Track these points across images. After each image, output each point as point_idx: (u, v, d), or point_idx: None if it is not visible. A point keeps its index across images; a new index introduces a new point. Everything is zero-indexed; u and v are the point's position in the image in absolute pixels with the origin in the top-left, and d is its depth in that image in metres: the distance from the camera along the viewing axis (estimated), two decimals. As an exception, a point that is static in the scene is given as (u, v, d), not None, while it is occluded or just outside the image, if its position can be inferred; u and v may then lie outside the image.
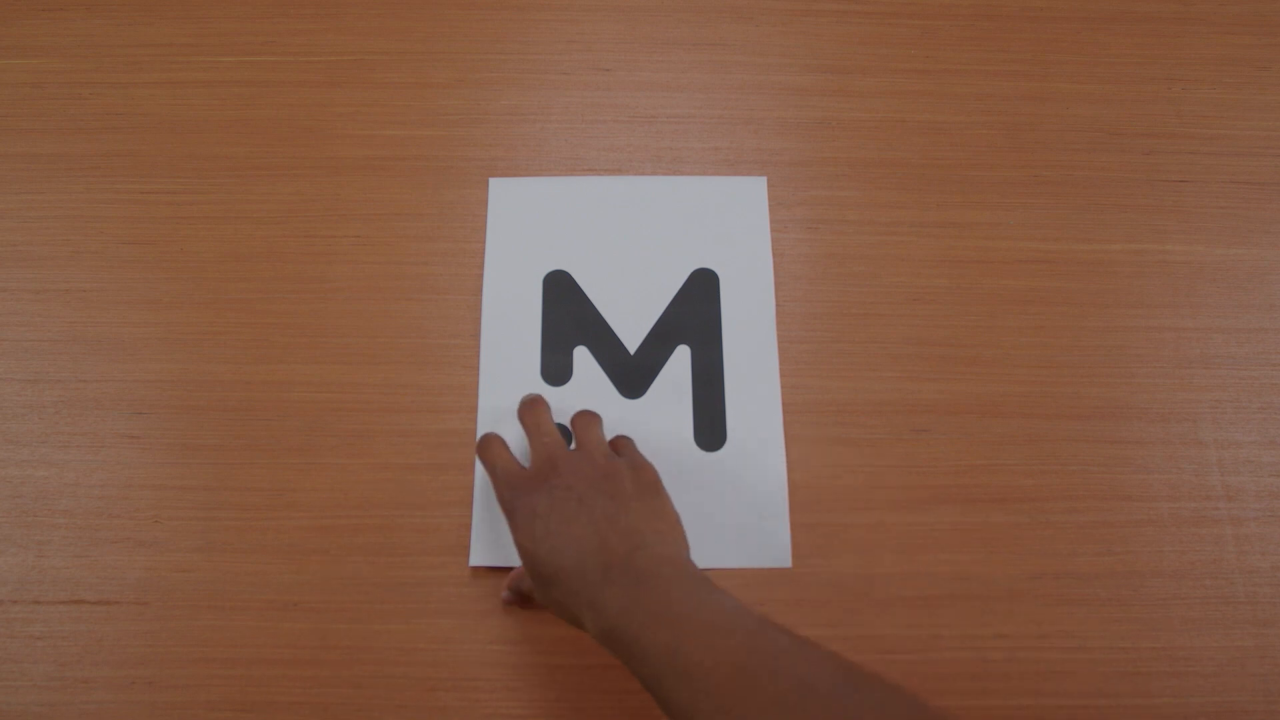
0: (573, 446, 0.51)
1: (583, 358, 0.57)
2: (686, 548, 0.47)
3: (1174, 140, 0.65)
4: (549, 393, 0.56)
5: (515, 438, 0.54)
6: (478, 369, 0.58)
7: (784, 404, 0.58)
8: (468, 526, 0.55)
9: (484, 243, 0.61)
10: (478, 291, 0.60)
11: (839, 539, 0.55)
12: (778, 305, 0.60)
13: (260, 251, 0.61)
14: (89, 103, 0.64)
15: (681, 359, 0.58)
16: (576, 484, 0.46)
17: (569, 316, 0.58)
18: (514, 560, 0.52)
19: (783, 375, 0.58)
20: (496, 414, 0.56)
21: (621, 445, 0.53)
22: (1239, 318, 0.60)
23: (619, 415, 0.56)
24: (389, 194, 0.62)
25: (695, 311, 0.59)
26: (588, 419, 0.52)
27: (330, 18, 0.67)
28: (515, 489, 0.48)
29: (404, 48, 0.66)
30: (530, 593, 0.49)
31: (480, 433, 0.55)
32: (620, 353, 0.58)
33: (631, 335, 0.58)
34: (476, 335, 0.59)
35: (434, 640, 0.52)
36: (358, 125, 0.64)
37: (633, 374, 0.57)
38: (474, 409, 0.57)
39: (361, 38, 0.66)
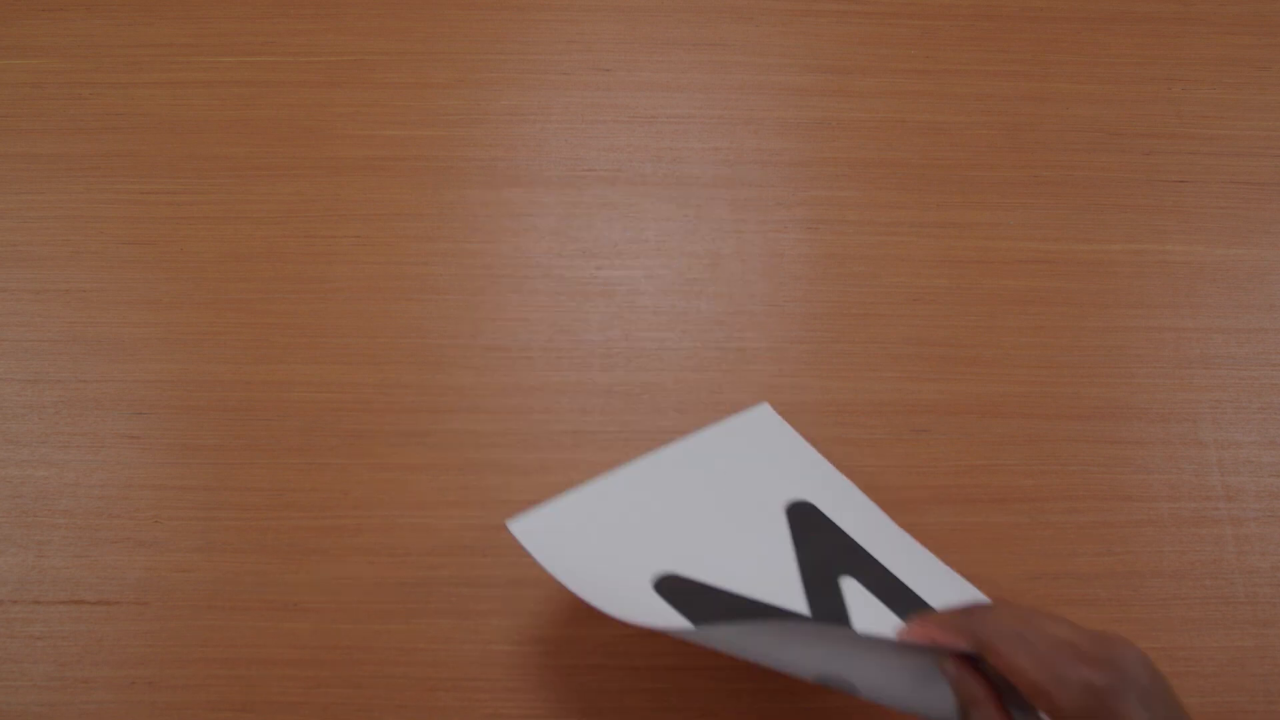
0: None
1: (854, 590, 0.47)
2: None
3: (1174, 140, 0.65)
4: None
5: None
6: None
7: (785, 404, 0.58)
8: (468, 527, 0.55)
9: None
10: (478, 292, 0.60)
11: (839, 539, 0.55)
12: (780, 305, 0.60)
13: (260, 251, 0.61)
14: (89, 103, 0.64)
15: (853, 589, 0.47)
16: None
17: (715, 614, 0.45)
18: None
19: (783, 375, 0.58)
20: None
21: None
22: (1239, 318, 0.60)
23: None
24: (389, 194, 0.62)
25: (820, 542, 0.49)
26: None
27: (330, 18, 0.67)
28: None
29: (404, 48, 0.66)
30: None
31: None
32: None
33: (789, 601, 0.46)
34: (476, 335, 0.59)
35: (434, 640, 0.52)
36: (358, 125, 0.64)
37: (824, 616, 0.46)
38: (474, 408, 0.57)
39: (361, 38, 0.66)
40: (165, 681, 0.51)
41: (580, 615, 0.53)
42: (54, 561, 0.54)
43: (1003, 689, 0.35)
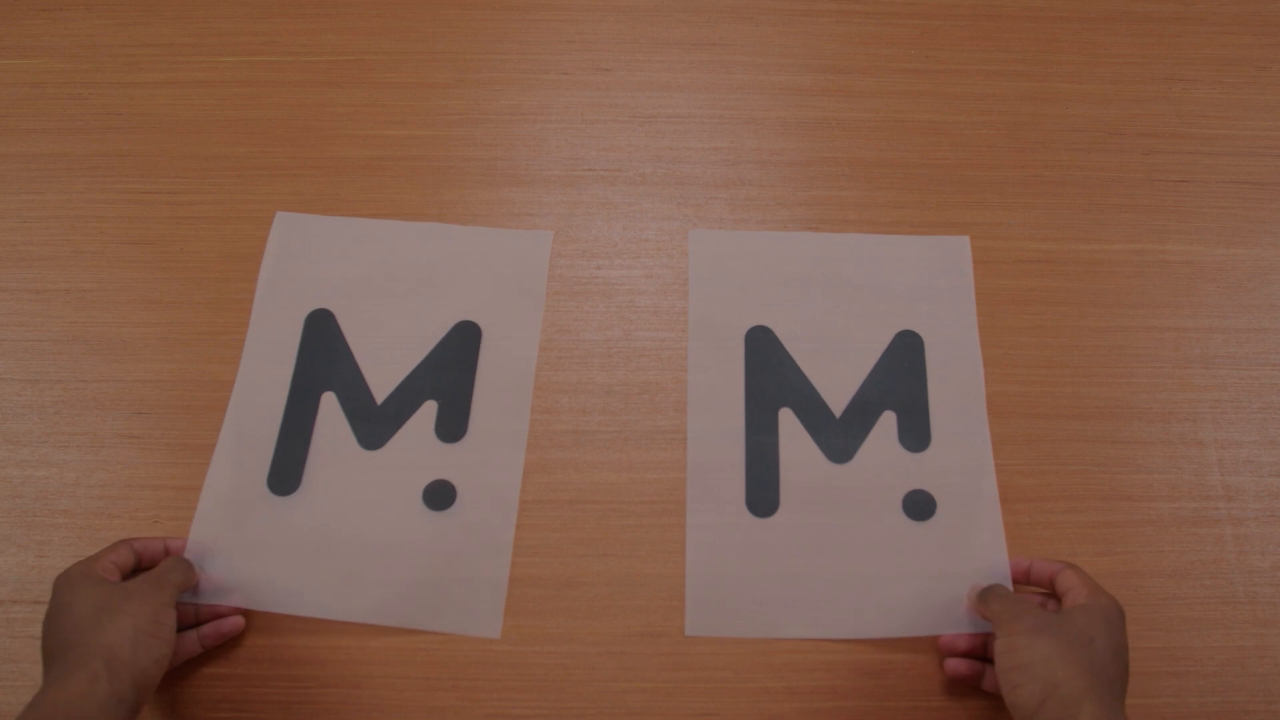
0: None
1: (786, 419, 0.55)
2: None
3: (1174, 140, 0.65)
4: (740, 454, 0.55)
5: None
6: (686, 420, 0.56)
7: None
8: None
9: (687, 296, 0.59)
10: (478, 291, 0.60)
11: (839, 539, 0.55)
12: None
13: (260, 251, 0.61)
14: (89, 103, 0.64)
15: (889, 424, 0.55)
16: None
17: (772, 377, 0.56)
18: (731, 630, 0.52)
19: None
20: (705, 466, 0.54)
21: None
22: (1239, 318, 0.60)
23: (825, 479, 0.54)
24: (389, 194, 0.62)
25: (900, 377, 0.56)
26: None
27: (330, 18, 0.67)
28: None
29: (404, 48, 0.66)
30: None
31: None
32: (825, 416, 0.55)
33: (836, 399, 0.56)
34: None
35: (434, 640, 0.52)
36: (358, 125, 0.64)
37: (838, 438, 0.55)
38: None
39: (361, 38, 0.66)
40: (165, 681, 0.51)
41: (580, 615, 0.53)
42: (54, 561, 0.54)
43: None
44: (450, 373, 0.56)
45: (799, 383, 0.56)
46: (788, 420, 0.55)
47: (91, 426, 0.57)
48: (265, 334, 0.57)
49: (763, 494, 0.54)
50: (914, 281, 0.59)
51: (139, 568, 0.50)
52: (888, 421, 0.55)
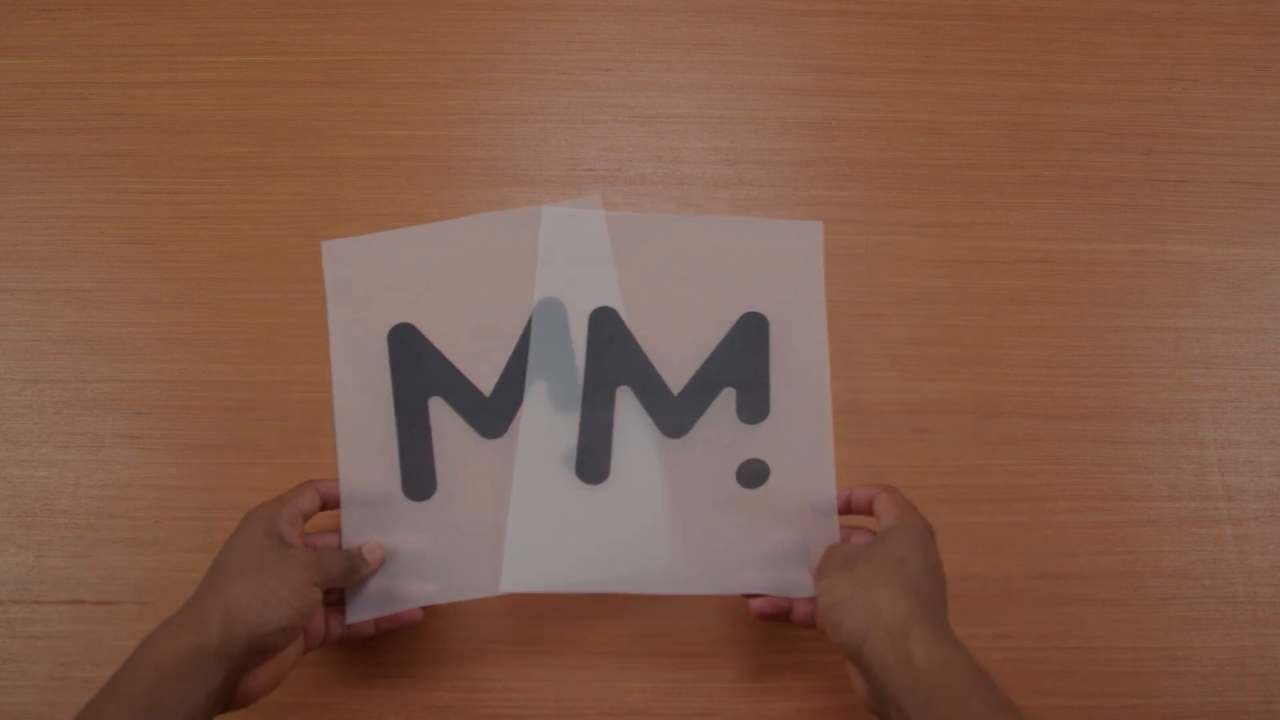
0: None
1: (625, 398, 0.56)
2: None
3: (1174, 140, 0.65)
4: (571, 431, 0.55)
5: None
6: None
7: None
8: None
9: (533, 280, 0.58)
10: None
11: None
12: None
13: (260, 251, 0.61)
14: (89, 103, 0.64)
15: (728, 400, 0.56)
16: None
17: (613, 356, 0.57)
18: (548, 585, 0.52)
19: (783, 375, 0.58)
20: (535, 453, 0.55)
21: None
22: (1239, 318, 0.60)
23: (661, 452, 0.55)
24: (389, 194, 0.62)
25: (742, 355, 0.57)
26: None
27: (330, 18, 0.67)
28: None
29: (404, 48, 0.66)
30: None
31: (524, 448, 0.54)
32: (663, 394, 0.56)
33: (676, 378, 0.56)
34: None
35: (434, 640, 0.52)
36: (358, 125, 0.64)
37: (674, 414, 0.56)
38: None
39: (361, 38, 0.66)
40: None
41: (581, 615, 0.53)
42: (54, 561, 0.54)
43: None
44: (743, 361, 0.57)
45: (639, 362, 0.57)
46: (625, 397, 0.56)
47: (91, 426, 0.57)
48: (351, 361, 0.57)
49: (594, 463, 0.54)
50: (764, 265, 0.59)
51: (324, 509, 0.51)
52: (727, 397, 0.56)
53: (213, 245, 0.61)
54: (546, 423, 0.55)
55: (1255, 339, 0.60)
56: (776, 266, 0.60)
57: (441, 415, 0.55)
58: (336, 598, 0.49)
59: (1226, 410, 0.58)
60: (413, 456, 0.54)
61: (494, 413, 0.55)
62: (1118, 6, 0.68)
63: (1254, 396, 0.59)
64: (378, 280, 0.59)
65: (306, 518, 0.49)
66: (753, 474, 0.54)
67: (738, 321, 0.58)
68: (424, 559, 0.52)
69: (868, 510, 0.50)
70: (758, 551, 0.52)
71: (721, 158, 0.64)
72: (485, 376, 0.56)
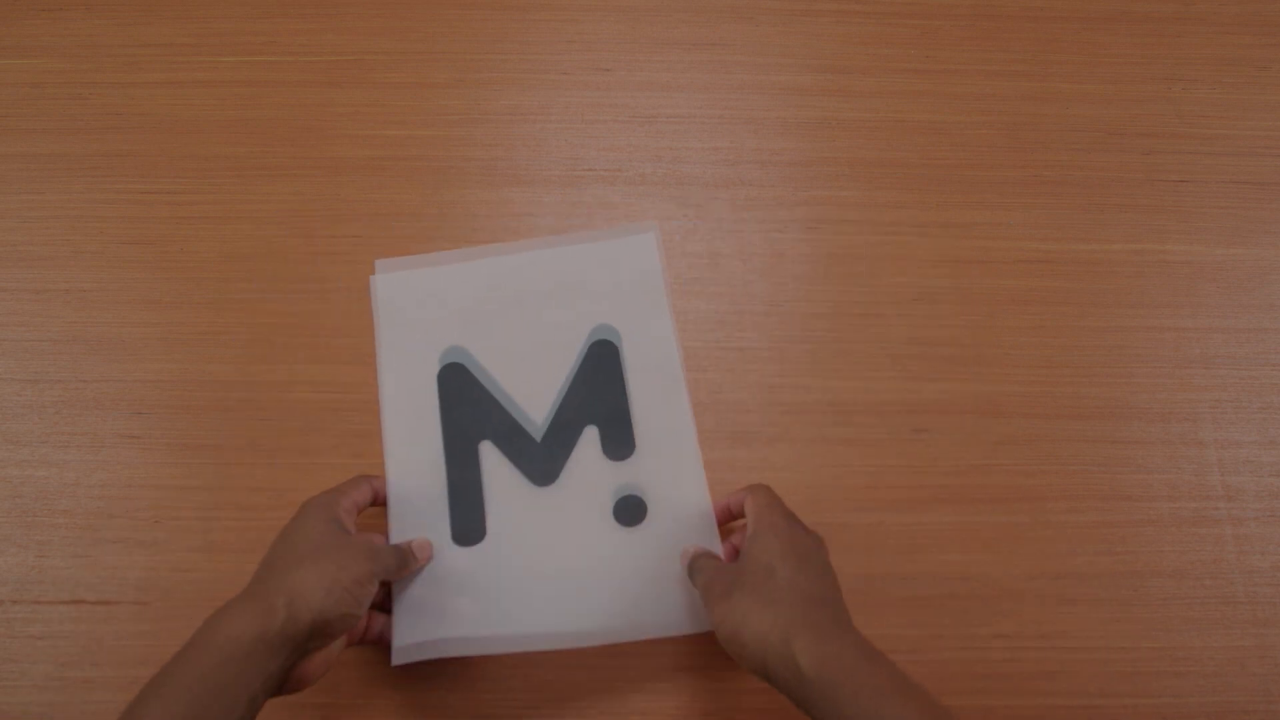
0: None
1: (489, 452, 0.55)
2: None
3: (1174, 140, 0.65)
4: (442, 504, 0.53)
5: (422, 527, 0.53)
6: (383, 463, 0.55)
7: (785, 404, 0.58)
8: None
9: (375, 339, 0.58)
10: (478, 291, 0.60)
11: (839, 539, 0.55)
12: (780, 305, 0.60)
13: (260, 251, 0.61)
14: (89, 103, 0.64)
15: (591, 438, 0.55)
16: None
17: (469, 412, 0.55)
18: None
19: (782, 375, 0.58)
20: (409, 508, 0.53)
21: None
22: (1239, 318, 0.60)
23: (532, 503, 0.54)
24: (389, 194, 0.62)
25: (599, 387, 0.56)
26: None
27: (330, 18, 0.67)
28: None
29: (404, 48, 0.66)
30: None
31: (396, 532, 0.52)
32: (526, 442, 0.55)
33: (535, 421, 0.55)
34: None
35: (434, 640, 0.52)
36: (358, 125, 0.64)
37: (540, 461, 0.54)
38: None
39: (361, 38, 0.66)
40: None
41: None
42: (54, 561, 0.54)
43: None
44: (600, 394, 0.56)
45: (496, 414, 0.55)
46: (489, 452, 0.55)
47: (91, 426, 0.57)
48: (401, 398, 0.56)
49: (468, 525, 0.53)
50: (603, 286, 0.58)
51: (374, 504, 0.51)
52: (590, 436, 0.55)
53: (213, 245, 0.61)
54: (598, 471, 0.54)
55: (1255, 339, 0.60)
56: (615, 284, 0.59)
57: (491, 459, 0.55)
58: (381, 597, 0.49)
59: (1226, 410, 0.58)
60: (462, 502, 0.53)
61: (544, 460, 0.54)
62: (1118, 6, 0.68)
63: (1254, 396, 0.59)
64: (430, 314, 0.58)
65: (360, 510, 0.49)
66: (630, 511, 0.53)
67: (587, 352, 0.57)
68: (469, 606, 0.50)
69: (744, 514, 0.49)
70: (651, 592, 0.51)
71: (721, 158, 0.64)
72: (535, 421, 0.55)
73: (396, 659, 0.48)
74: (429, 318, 0.58)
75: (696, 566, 0.47)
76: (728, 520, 0.53)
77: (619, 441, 0.55)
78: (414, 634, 0.49)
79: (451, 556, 0.52)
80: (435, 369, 0.57)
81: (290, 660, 0.41)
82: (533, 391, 0.56)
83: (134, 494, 0.55)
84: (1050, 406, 0.58)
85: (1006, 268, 0.61)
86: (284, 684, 0.42)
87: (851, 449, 0.57)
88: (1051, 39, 0.67)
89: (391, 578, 0.48)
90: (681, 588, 0.51)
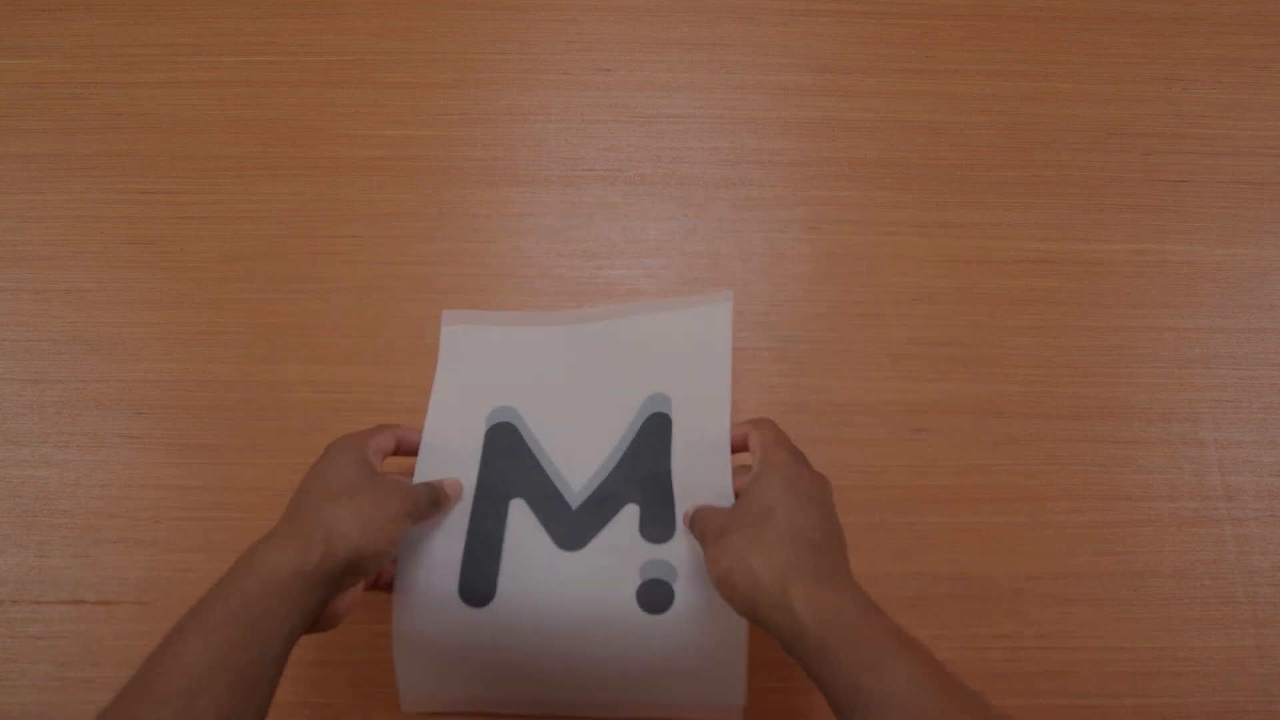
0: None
1: (518, 510, 0.51)
2: None
3: (1174, 140, 0.65)
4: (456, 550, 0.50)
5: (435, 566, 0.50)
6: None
7: (785, 404, 0.58)
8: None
9: (431, 382, 0.55)
10: (478, 292, 0.60)
11: (839, 539, 0.55)
12: (780, 305, 0.60)
13: (260, 251, 0.61)
14: (89, 103, 0.64)
15: (629, 517, 0.50)
16: None
17: (508, 468, 0.52)
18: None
19: (783, 375, 0.58)
20: (411, 556, 0.49)
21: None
22: (1239, 318, 0.60)
23: (553, 567, 0.49)
24: (389, 194, 0.62)
25: (646, 463, 0.51)
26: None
27: (330, 18, 0.67)
28: None
29: (404, 48, 0.66)
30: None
31: (401, 575, 0.49)
32: (561, 507, 0.51)
33: (575, 491, 0.51)
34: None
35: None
36: (358, 125, 0.64)
37: (572, 527, 0.50)
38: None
39: (361, 38, 0.66)
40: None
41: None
42: (54, 561, 0.54)
43: None
44: (647, 473, 0.51)
45: (537, 476, 0.52)
46: (519, 510, 0.51)
47: (91, 426, 0.57)
48: (443, 448, 0.52)
49: (478, 583, 0.49)
50: (666, 350, 0.55)
51: (397, 453, 0.50)
52: (630, 514, 0.50)
53: (213, 245, 0.61)
54: (630, 547, 0.49)
55: (1255, 339, 0.60)
56: (680, 351, 0.55)
57: (520, 518, 0.51)
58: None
59: (1226, 410, 0.58)
60: (476, 557, 0.49)
61: (576, 526, 0.50)
62: (1118, 6, 0.68)
63: (1254, 396, 0.59)
64: (491, 371, 0.55)
65: (385, 456, 0.48)
66: (655, 598, 0.48)
67: (642, 425, 0.52)
68: (474, 666, 0.50)
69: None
70: (665, 683, 0.49)
71: (721, 158, 0.64)
72: (576, 489, 0.52)
73: (406, 707, 0.49)
74: (488, 376, 0.55)
75: (696, 516, 0.45)
76: (738, 450, 0.49)
77: (659, 522, 0.50)
78: (422, 687, 0.49)
79: (457, 612, 0.48)
80: (484, 426, 0.53)
81: (325, 595, 0.41)
82: (578, 459, 0.52)
83: (134, 494, 0.55)
84: (1050, 406, 0.58)
85: (1006, 268, 0.61)
86: (317, 621, 0.41)
87: (851, 449, 0.57)
88: (1051, 39, 0.67)
89: (424, 517, 0.46)
90: (699, 672, 0.48)
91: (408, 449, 0.51)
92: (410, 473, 0.51)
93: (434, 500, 0.48)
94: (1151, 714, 0.52)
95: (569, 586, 0.49)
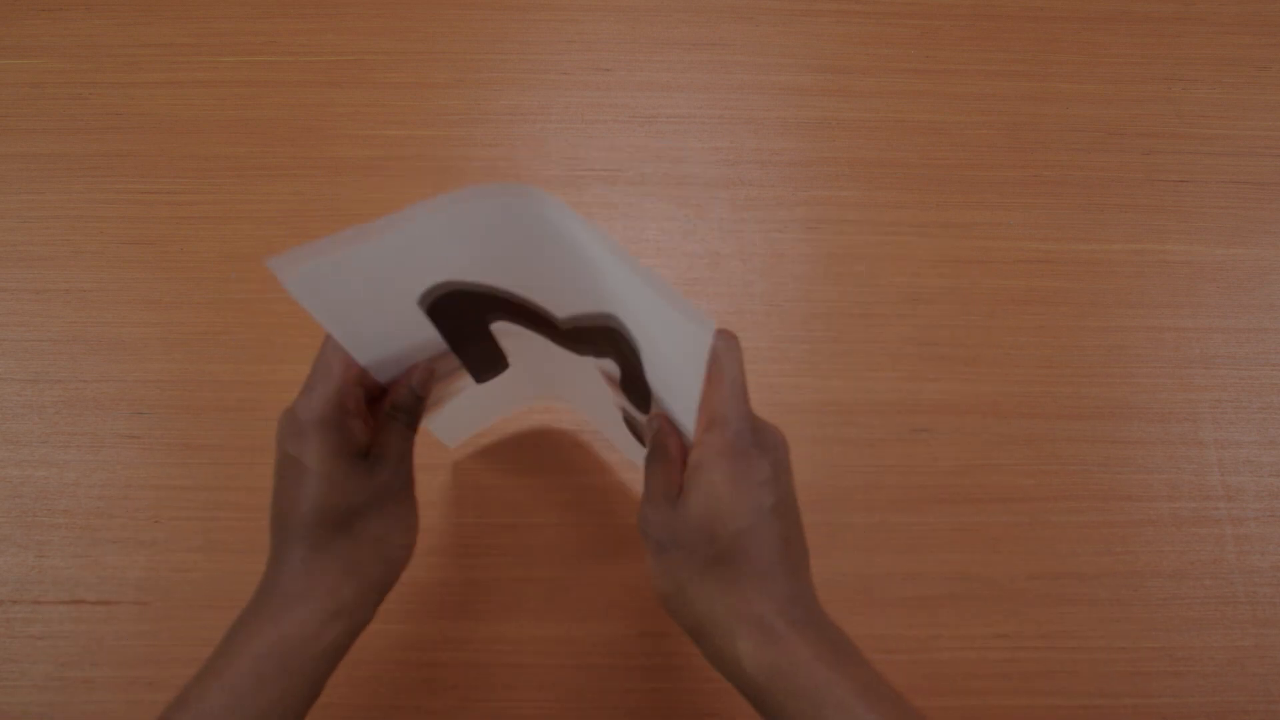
0: None
1: (504, 329, 0.42)
2: None
3: (1174, 140, 0.65)
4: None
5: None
6: None
7: (785, 404, 0.58)
8: (467, 526, 0.55)
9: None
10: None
11: (839, 539, 0.55)
12: (780, 305, 0.60)
13: (260, 251, 0.61)
14: (89, 103, 0.64)
15: (612, 371, 0.43)
16: None
17: (478, 309, 0.40)
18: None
19: (783, 375, 0.58)
20: None
21: None
22: (1239, 318, 0.60)
23: (548, 344, 0.42)
24: (389, 194, 0.62)
25: (617, 343, 0.40)
26: None
27: (330, 18, 0.67)
28: None
29: (404, 48, 0.66)
30: None
31: None
32: (549, 325, 0.41)
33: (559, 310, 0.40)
34: None
35: (434, 640, 0.52)
36: (358, 125, 0.64)
37: (563, 339, 0.42)
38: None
39: (361, 38, 0.66)
40: (165, 681, 0.51)
41: (580, 615, 0.53)
42: (54, 561, 0.54)
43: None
44: (619, 347, 0.40)
45: (512, 302, 0.40)
46: (503, 328, 0.42)
47: (91, 426, 0.57)
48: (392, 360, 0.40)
49: (487, 358, 0.43)
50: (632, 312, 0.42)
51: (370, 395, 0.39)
52: (611, 368, 0.42)
53: (213, 245, 0.61)
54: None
55: (1255, 339, 0.60)
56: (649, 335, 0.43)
57: (506, 332, 0.42)
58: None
59: (1226, 410, 0.58)
60: (473, 348, 0.42)
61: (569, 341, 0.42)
62: (1118, 6, 0.68)
63: (1254, 396, 0.59)
64: (392, 283, 0.39)
65: (360, 406, 0.38)
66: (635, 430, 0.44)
67: (603, 314, 0.39)
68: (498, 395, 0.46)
69: None
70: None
71: (721, 158, 0.64)
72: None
73: (452, 444, 0.50)
74: (396, 286, 0.39)
75: (640, 518, 0.36)
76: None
77: (637, 394, 0.42)
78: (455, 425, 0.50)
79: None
80: (423, 309, 0.39)
81: (362, 624, 0.37)
82: (550, 299, 0.40)
83: (134, 494, 0.55)
84: (1050, 406, 0.58)
85: (1006, 268, 0.61)
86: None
87: (851, 449, 0.57)
88: (1051, 39, 0.67)
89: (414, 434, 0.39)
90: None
91: (371, 384, 0.39)
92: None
93: (415, 420, 0.39)
94: (1151, 714, 0.52)
95: (568, 366, 0.44)
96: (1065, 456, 0.57)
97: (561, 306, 0.40)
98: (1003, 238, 0.62)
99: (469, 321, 0.41)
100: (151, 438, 0.56)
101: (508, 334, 0.43)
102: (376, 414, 0.39)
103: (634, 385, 0.42)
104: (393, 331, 0.39)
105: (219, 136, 0.64)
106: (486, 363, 0.44)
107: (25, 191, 0.62)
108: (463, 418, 0.50)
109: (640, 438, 0.43)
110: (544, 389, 0.51)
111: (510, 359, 0.45)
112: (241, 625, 0.36)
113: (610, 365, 0.43)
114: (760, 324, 0.60)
